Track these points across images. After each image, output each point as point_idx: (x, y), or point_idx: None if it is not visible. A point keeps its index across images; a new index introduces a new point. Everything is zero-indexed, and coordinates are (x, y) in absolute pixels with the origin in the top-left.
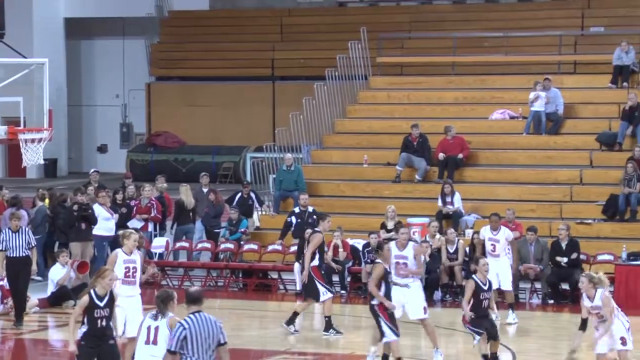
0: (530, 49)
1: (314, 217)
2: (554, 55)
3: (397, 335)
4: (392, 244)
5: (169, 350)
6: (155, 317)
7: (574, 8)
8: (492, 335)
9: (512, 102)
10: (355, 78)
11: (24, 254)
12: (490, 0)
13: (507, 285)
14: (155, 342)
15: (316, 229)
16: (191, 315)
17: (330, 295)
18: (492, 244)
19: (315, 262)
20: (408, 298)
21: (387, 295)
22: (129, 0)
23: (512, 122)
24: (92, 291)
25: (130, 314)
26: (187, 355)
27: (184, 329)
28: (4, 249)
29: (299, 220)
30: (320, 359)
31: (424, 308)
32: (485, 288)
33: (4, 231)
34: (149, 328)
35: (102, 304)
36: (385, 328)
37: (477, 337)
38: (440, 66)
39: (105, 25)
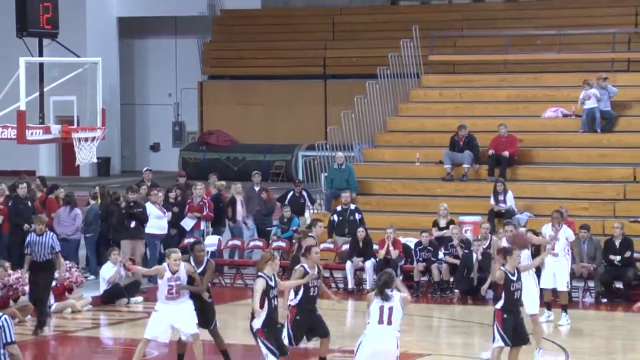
0: (584, 47)
1: (356, 215)
2: (607, 53)
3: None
4: None
5: None
6: (386, 299)
7: (628, 5)
8: (521, 338)
9: (565, 100)
10: (407, 76)
11: (45, 258)
12: None
13: (563, 286)
14: (390, 322)
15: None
16: None
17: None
18: (551, 245)
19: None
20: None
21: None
22: None
23: (565, 120)
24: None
25: (176, 319)
26: None
27: None
28: (29, 252)
29: (340, 218)
30: None
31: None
32: (515, 279)
33: (30, 234)
34: (381, 308)
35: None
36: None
37: (498, 345)
38: (493, 64)
39: (158, 24)
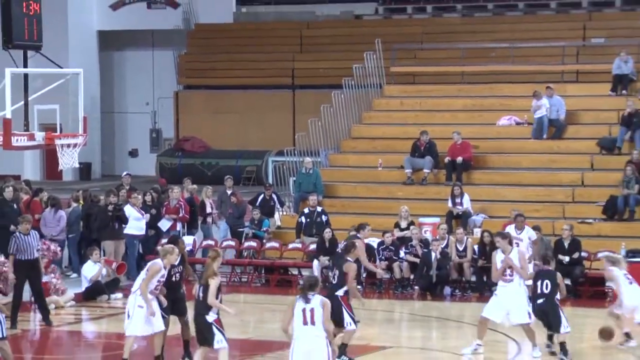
0: (535, 59)
1: (323, 216)
2: (557, 65)
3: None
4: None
5: None
6: (307, 301)
7: (576, 21)
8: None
9: (518, 109)
10: (370, 86)
11: (34, 257)
12: (497, 13)
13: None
14: (313, 323)
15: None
16: None
17: (354, 327)
18: (516, 242)
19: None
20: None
21: None
22: (158, 13)
23: (518, 127)
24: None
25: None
26: None
27: None
28: (13, 252)
29: (308, 219)
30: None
31: (529, 313)
32: None
33: (15, 234)
34: (304, 310)
35: None
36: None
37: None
38: (450, 75)
39: (136, 37)
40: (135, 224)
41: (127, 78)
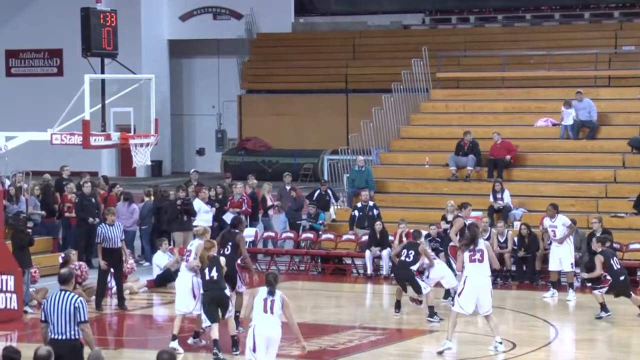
0: (570, 65)
1: (374, 210)
2: (590, 71)
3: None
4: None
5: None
6: (272, 294)
7: (608, 30)
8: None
9: (554, 111)
10: (417, 91)
11: (117, 246)
12: (534, 23)
13: (568, 268)
14: (272, 312)
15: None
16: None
17: (429, 289)
18: (552, 230)
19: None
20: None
21: None
22: (223, 24)
23: (554, 128)
24: None
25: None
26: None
27: None
28: (100, 241)
29: (360, 213)
30: (388, 333)
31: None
32: None
33: (101, 225)
34: (265, 300)
35: None
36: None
37: None
38: (492, 80)
39: (203, 46)
40: (204, 216)
41: (195, 83)
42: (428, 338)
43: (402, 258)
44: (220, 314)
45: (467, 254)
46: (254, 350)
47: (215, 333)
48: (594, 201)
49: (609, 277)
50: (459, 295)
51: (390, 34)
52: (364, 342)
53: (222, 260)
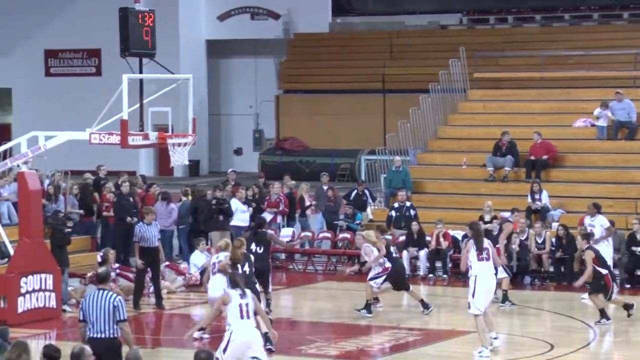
0: (609, 66)
1: (411, 210)
2: (629, 71)
3: None
4: None
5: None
6: (243, 295)
7: None
8: None
9: (592, 112)
10: (455, 91)
11: (154, 245)
12: (573, 23)
13: None
14: (248, 317)
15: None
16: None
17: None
18: (590, 229)
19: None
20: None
21: None
22: (260, 24)
23: (593, 129)
24: None
25: None
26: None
27: None
28: (138, 240)
29: (397, 213)
30: (425, 333)
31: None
32: None
33: (139, 225)
34: (240, 306)
35: None
36: None
37: None
38: (530, 80)
39: (240, 46)
40: (241, 216)
41: (233, 83)
42: (466, 339)
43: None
44: None
45: (474, 253)
46: (224, 352)
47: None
48: (633, 202)
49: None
50: (472, 296)
51: (428, 34)
52: (402, 342)
53: (252, 257)
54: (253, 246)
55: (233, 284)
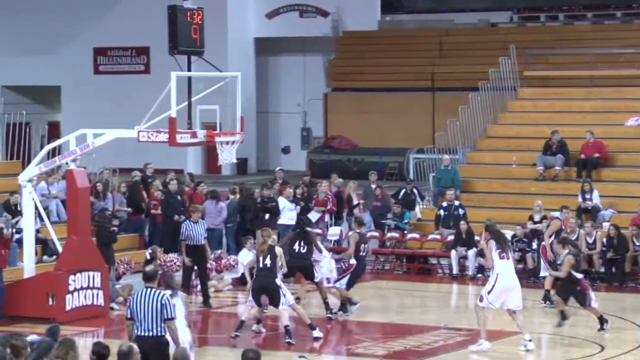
0: None
1: (460, 210)
2: None
3: None
4: None
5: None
6: (174, 295)
7: None
8: None
9: None
10: (504, 89)
11: (202, 243)
12: (625, 21)
13: None
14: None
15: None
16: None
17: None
18: None
19: None
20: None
21: None
22: (309, 22)
23: None
24: None
25: None
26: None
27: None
28: (184, 238)
29: (446, 212)
30: (473, 334)
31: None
32: None
33: (185, 223)
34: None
35: None
36: None
37: None
38: (581, 79)
39: (289, 44)
40: (288, 214)
41: (281, 81)
42: (514, 340)
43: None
44: (268, 301)
45: (496, 252)
46: None
47: (245, 314)
48: None
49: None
50: (489, 292)
51: (478, 31)
52: (450, 342)
53: (279, 250)
54: (296, 245)
55: (167, 286)
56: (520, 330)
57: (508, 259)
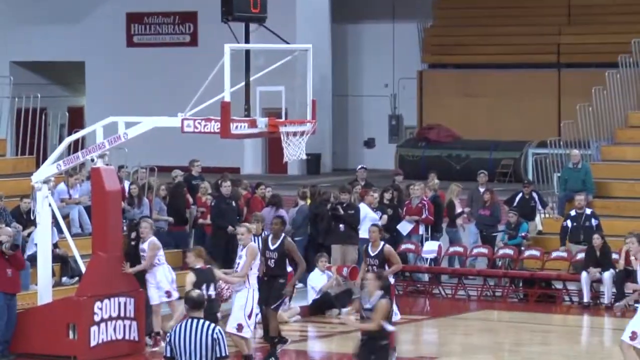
0: None
1: (592, 220)
2: None
3: None
4: None
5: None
6: None
7: None
8: None
9: None
10: None
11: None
12: None
13: None
14: None
15: None
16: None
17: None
18: None
19: None
20: None
21: None
22: None
23: None
24: None
25: None
26: None
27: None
28: None
29: (574, 223)
30: None
31: None
32: None
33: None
34: None
35: None
36: None
37: None
38: None
39: (374, 7)
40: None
41: (364, 55)
42: None
43: None
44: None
45: None
46: None
47: None
48: None
49: None
50: None
51: None
52: None
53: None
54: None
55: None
56: None
57: None
